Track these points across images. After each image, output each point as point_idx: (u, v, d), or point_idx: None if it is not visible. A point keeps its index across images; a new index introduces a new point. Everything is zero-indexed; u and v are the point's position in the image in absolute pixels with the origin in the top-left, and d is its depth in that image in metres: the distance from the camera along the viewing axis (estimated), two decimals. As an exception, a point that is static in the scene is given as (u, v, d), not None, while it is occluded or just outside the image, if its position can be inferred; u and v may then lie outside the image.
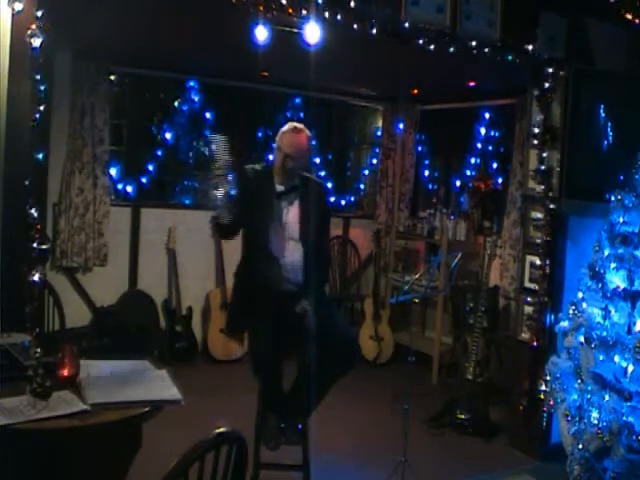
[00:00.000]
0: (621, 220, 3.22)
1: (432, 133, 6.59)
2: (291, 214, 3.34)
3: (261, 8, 3.09)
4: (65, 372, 2.23)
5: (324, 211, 3.50)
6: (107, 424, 2.03)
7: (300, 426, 3.28)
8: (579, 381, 3.21)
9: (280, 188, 3.35)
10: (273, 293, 3.23)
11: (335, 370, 3.26)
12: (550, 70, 3.99)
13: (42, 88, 2.68)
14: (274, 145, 3.39)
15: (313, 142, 5.64)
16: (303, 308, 3.21)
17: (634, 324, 3.06)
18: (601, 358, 3.09)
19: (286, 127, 3.34)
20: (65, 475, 2.07)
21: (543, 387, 3.54)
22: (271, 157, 3.66)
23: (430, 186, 6.65)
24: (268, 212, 3.29)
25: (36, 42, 2.63)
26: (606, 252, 3.25)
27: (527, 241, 4.30)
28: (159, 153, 5.72)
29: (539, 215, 4.13)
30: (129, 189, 5.66)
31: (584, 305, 3.30)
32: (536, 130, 4.13)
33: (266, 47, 3.37)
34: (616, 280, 3.17)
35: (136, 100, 5.82)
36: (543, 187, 4.07)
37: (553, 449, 3.92)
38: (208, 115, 5.84)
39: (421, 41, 3.51)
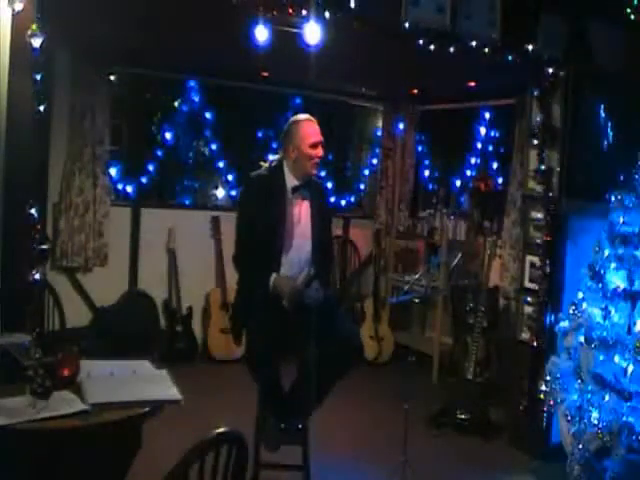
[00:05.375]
0: (621, 220, 3.22)
1: (432, 133, 6.58)
2: (303, 211, 3.34)
3: (261, 8, 3.10)
4: (65, 372, 2.23)
5: (328, 211, 3.52)
6: (107, 424, 2.03)
7: (300, 426, 3.27)
8: (579, 381, 3.22)
9: (294, 183, 3.34)
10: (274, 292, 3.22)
11: (336, 370, 3.25)
12: (550, 70, 3.99)
13: (42, 88, 2.68)
14: (284, 139, 3.38)
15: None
16: (316, 288, 3.20)
17: (634, 324, 3.07)
18: (601, 358, 3.09)
19: (298, 119, 3.38)
20: (65, 475, 2.07)
21: (543, 387, 3.54)
22: (272, 157, 3.64)
23: (430, 186, 6.65)
24: (282, 211, 3.27)
25: (36, 42, 2.63)
26: (606, 252, 3.25)
27: (527, 241, 4.30)
28: (159, 153, 5.72)
29: (539, 215, 4.13)
30: (129, 189, 5.66)
31: (584, 305, 3.30)
32: (536, 130, 4.13)
33: (266, 47, 3.37)
34: (616, 280, 3.18)
35: (136, 100, 5.82)
36: (543, 187, 4.07)
37: (553, 449, 3.92)
38: (208, 115, 5.83)
39: (421, 41, 3.51)
